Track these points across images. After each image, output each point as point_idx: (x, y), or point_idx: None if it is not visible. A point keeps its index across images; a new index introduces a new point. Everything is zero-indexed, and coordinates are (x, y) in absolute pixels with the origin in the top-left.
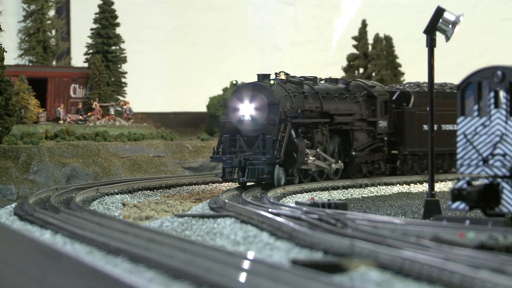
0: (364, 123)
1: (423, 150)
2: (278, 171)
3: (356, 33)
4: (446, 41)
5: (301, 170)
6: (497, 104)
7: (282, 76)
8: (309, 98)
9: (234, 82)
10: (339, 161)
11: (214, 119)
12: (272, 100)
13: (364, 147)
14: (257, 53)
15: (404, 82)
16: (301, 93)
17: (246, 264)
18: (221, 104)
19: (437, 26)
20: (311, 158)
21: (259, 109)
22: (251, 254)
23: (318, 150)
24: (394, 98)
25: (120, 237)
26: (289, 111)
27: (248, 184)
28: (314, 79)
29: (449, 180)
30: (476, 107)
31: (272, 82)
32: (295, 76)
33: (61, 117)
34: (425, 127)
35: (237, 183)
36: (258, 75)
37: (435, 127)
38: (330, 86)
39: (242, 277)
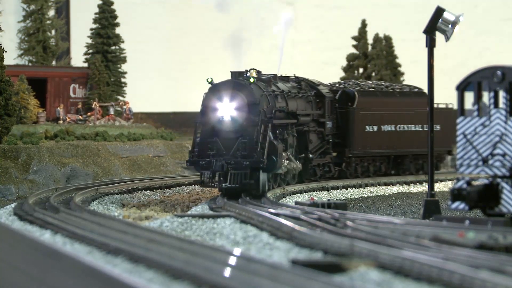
0: (315, 124)
1: (366, 152)
2: (263, 177)
3: (356, 33)
4: (446, 41)
5: (274, 174)
6: (496, 104)
7: (254, 74)
8: (278, 97)
9: (210, 80)
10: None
11: None
12: (252, 100)
13: (316, 149)
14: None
15: (343, 81)
16: (272, 92)
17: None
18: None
19: (437, 26)
20: (285, 161)
21: (239, 109)
22: (237, 251)
23: (289, 153)
24: (337, 97)
25: (120, 237)
26: (267, 111)
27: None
28: (274, 77)
29: (449, 180)
30: (476, 107)
31: (252, 80)
32: (264, 74)
33: (61, 117)
34: (368, 128)
35: (217, 190)
36: (232, 72)
37: (375, 128)
38: (288, 85)
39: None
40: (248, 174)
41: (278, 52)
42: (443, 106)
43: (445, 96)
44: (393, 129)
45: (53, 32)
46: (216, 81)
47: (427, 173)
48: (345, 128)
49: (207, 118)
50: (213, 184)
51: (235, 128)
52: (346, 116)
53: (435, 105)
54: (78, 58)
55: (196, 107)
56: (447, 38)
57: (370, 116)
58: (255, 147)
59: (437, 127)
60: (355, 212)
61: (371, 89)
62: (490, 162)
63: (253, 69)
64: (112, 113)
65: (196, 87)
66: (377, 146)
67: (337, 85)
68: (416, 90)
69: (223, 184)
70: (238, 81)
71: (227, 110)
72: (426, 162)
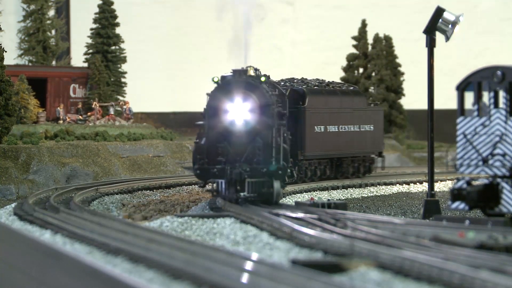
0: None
1: (315, 154)
2: (277, 185)
3: (356, 33)
4: (446, 41)
5: None
6: (496, 104)
7: (251, 72)
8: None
9: (216, 80)
10: None
11: None
12: (265, 101)
13: None
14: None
15: (287, 78)
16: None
17: (247, 264)
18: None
19: (437, 26)
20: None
21: (252, 111)
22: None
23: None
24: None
25: (120, 237)
26: (278, 113)
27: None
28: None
29: (449, 180)
30: (476, 107)
31: (263, 79)
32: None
33: (61, 117)
34: (317, 128)
35: (230, 200)
36: (235, 70)
37: (322, 129)
38: None
39: (244, 278)
40: (267, 182)
41: (278, 52)
42: (375, 105)
43: (445, 96)
44: (336, 129)
45: (53, 32)
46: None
47: (359, 176)
48: (296, 129)
49: (215, 121)
50: (232, 195)
51: (248, 132)
52: (297, 116)
53: (371, 105)
54: (78, 58)
55: (196, 107)
56: (447, 38)
57: (318, 116)
58: (270, 152)
59: (371, 128)
60: (355, 212)
61: (316, 87)
62: (490, 162)
63: (250, 66)
64: (112, 113)
65: (196, 87)
66: (324, 148)
67: (282, 83)
68: (352, 88)
69: (242, 194)
70: (249, 80)
71: (240, 112)
72: (362, 165)
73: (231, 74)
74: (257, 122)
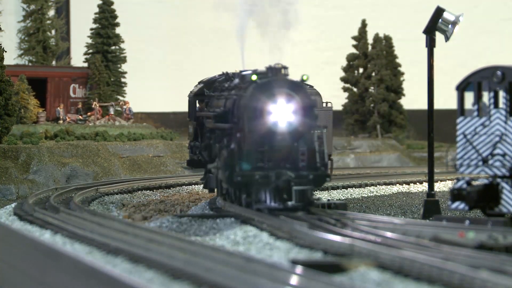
0: None
1: None
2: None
3: (356, 33)
4: (446, 41)
5: None
6: (496, 104)
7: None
8: None
9: (255, 78)
10: None
11: None
12: (308, 102)
13: None
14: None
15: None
16: None
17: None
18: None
19: (436, 26)
20: None
21: (296, 112)
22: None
23: None
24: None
25: (120, 237)
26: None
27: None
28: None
29: (449, 180)
30: (475, 107)
31: (305, 78)
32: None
33: (61, 117)
34: None
35: (270, 210)
36: (270, 68)
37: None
38: None
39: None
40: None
41: (277, 52)
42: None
43: (445, 96)
44: None
45: (53, 32)
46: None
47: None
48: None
49: (255, 123)
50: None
51: (291, 135)
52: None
53: (324, 104)
54: (78, 58)
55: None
56: (447, 38)
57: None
58: (315, 157)
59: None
60: (355, 212)
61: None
62: (490, 162)
63: (278, 64)
64: (112, 113)
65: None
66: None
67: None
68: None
69: (290, 203)
70: (293, 80)
71: (284, 113)
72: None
73: (260, 72)
74: (301, 125)
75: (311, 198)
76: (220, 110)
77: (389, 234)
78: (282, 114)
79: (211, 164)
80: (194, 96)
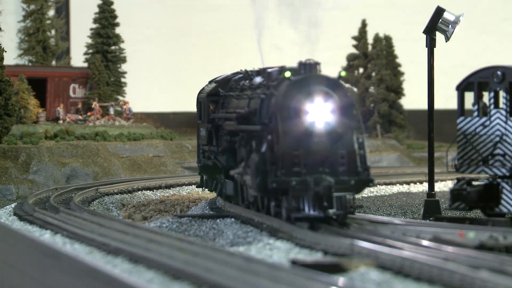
0: None
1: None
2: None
3: (356, 33)
4: (446, 41)
5: None
6: (497, 104)
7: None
8: None
9: (289, 75)
10: None
11: None
12: (347, 100)
13: None
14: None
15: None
16: None
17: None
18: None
19: (437, 26)
20: None
21: (335, 112)
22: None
23: None
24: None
25: (120, 237)
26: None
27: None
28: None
29: (449, 180)
30: (476, 107)
31: (343, 74)
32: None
33: (61, 117)
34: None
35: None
36: (303, 64)
37: None
38: None
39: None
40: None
41: (277, 52)
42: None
43: (445, 96)
44: None
45: (53, 32)
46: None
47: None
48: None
49: (289, 124)
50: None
51: (330, 137)
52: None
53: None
54: (78, 58)
55: (194, 107)
56: (447, 38)
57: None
58: (355, 160)
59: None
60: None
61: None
62: (490, 162)
63: (311, 59)
64: (112, 113)
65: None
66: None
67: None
68: None
69: (331, 211)
70: (331, 77)
71: (321, 113)
72: None
73: (290, 68)
74: (340, 126)
75: (354, 205)
76: (245, 110)
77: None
78: (319, 114)
79: (234, 170)
80: (207, 97)
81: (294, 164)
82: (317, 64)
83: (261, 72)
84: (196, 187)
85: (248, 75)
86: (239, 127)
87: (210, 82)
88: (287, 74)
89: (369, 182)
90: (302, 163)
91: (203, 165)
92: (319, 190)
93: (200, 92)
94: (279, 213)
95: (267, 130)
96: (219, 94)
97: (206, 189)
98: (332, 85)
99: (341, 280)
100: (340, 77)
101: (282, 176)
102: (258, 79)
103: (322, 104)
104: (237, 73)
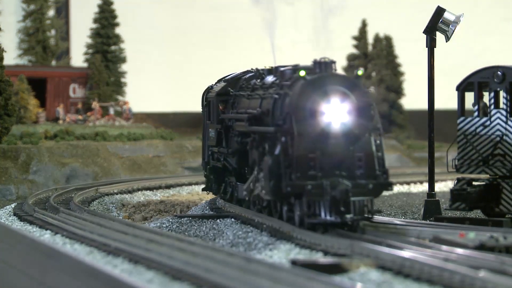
0: None
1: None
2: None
3: (356, 33)
4: (446, 41)
5: None
6: (497, 105)
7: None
8: None
9: (303, 74)
10: None
11: None
12: (365, 101)
13: None
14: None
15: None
16: None
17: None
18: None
19: (437, 26)
20: None
21: (352, 112)
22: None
23: None
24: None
25: (120, 237)
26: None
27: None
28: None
29: (449, 180)
30: (476, 107)
31: (360, 72)
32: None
33: (61, 117)
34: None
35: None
36: (318, 62)
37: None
38: None
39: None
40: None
41: (278, 52)
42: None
43: (445, 96)
44: None
45: (52, 32)
46: (211, 80)
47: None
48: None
49: (305, 125)
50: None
51: (346, 139)
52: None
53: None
54: (78, 58)
55: (196, 107)
56: (448, 38)
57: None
58: (373, 162)
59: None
60: None
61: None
62: (491, 162)
63: (325, 57)
64: (112, 113)
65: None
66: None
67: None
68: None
69: (348, 216)
70: (346, 76)
71: (338, 114)
72: None
73: (305, 67)
74: (357, 127)
75: (372, 210)
76: (257, 111)
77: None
78: (336, 114)
79: (250, 175)
80: (216, 96)
81: (309, 167)
82: (333, 62)
83: (273, 71)
84: (202, 190)
85: (259, 73)
86: (251, 128)
87: (218, 81)
88: (302, 73)
89: (388, 186)
90: (317, 166)
91: (212, 167)
92: (335, 194)
93: (207, 91)
94: (292, 218)
95: (281, 131)
96: (229, 93)
97: (212, 192)
98: (349, 85)
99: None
100: (357, 76)
101: (297, 180)
102: (270, 78)
103: (339, 105)
104: (247, 71)
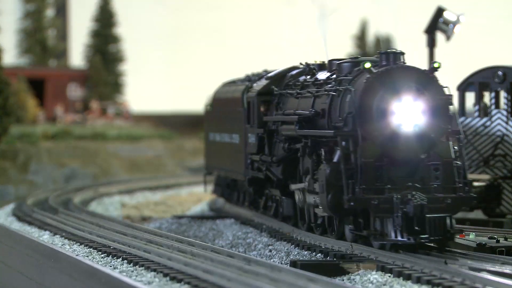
0: None
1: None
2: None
3: (356, 33)
4: (447, 41)
5: None
6: (497, 105)
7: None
8: None
9: (368, 66)
10: None
11: None
12: (442, 99)
13: None
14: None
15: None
16: None
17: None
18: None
19: (437, 25)
20: None
21: (427, 112)
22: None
23: None
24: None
25: (119, 238)
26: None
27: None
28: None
29: None
30: (476, 107)
31: (437, 65)
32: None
33: (59, 117)
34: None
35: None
36: (383, 53)
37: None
38: None
39: None
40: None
41: (278, 52)
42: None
43: None
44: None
45: (51, 32)
46: (211, 80)
47: None
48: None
49: (371, 128)
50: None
51: (420, 143)
52: None
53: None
54: (77, 58)
55: (196, 107)
56: (448, 38)
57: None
58: (452, 172)
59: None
60: None
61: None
62: (491, 162)
63: (393, 48)
64: (111, 113)
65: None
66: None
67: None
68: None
69: (421, 237)
70: (420, 69)
71: (410, 114)
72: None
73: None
74: (433, 130)
75: (452, 229)
76: (310, 112)
77: None
78: (408, 115)
79: (296, 185)
80: (258, 96)
81: (376, 177)
82: (402, 53)
83: (327, 65)
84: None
85: (310, 69)
86: (302, 132)
87: (260, 78)
88: (367, 65)
89: (470, 201)
90: (386, 177)
91: (251, 178)
92: (408, 210)
93: (247, 91)
94: (358, 240)
95: (341, 135)
96: (273, 92)
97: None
98: (423, 80)
99: None
100: (433, 69)
101: (361, 193)
102: (323, 74)
103: (412, 103)
104: (294, 67)
